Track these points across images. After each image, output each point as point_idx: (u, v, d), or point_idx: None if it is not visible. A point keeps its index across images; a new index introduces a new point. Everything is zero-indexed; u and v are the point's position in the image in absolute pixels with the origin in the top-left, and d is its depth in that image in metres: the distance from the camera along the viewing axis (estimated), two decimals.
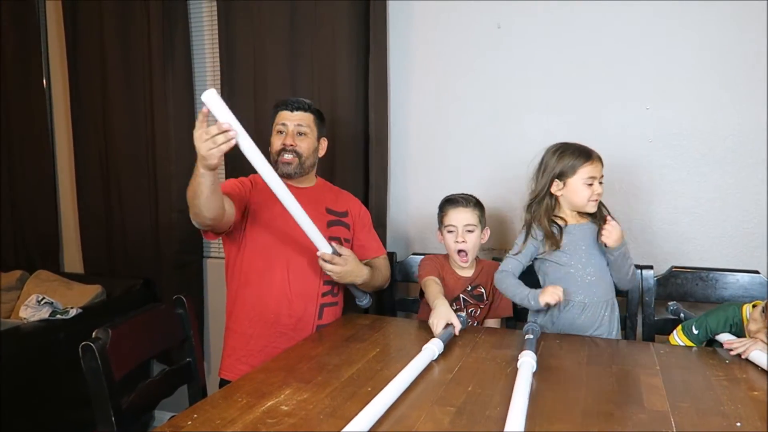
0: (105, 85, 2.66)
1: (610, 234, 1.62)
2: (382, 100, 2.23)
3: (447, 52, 2.22)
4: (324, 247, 1.70)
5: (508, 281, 1.73)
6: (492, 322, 1.93)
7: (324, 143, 1.96)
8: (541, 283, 1.75)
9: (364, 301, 1.90)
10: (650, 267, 1.95)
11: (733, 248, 1.96)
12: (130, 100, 2.62)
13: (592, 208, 1.70)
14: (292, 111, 1.86)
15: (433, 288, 1.76)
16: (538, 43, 2.10)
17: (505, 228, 2.20)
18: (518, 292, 1.70)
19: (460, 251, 1.86)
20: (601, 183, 1.69)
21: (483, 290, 1.90)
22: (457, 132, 2.22)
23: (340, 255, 1.73)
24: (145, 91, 2.57)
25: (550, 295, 1.61)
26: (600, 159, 1.70)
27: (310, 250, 1.77)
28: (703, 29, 1.93)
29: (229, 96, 2.43)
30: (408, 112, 2.29)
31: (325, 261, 1.72)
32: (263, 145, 1.85)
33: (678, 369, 1.35)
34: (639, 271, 1.93)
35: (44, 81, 2.85)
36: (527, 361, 1.29)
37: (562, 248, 1.69)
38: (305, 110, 1.87)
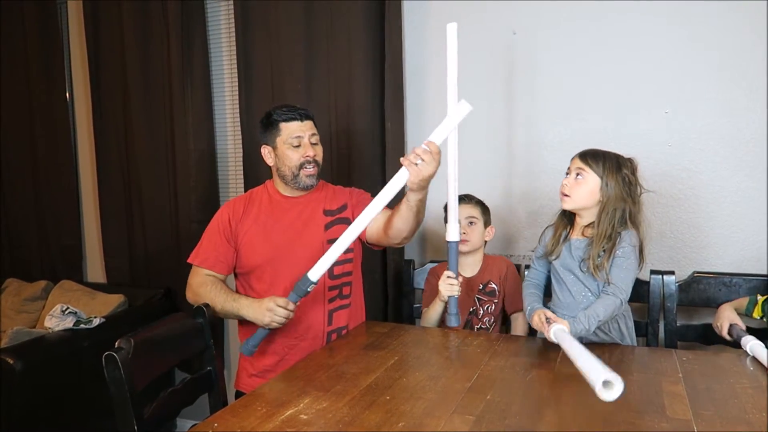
0: (126, 99, 2.71)
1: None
2: (398, 108, 2.24)
3: (463, 59, 2.21)
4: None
5: (524, 293, 1.71)
6: (520, 316, 1.91)
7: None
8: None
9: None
10: (672, 272, 1.92)
11: (756, 252, 1.93)
12: (151, 115, 2.67)
13: (562, 203, 1.64)
14: (302, 120, 1.79)
15: (429, 315, 1.88)
16: (554, 49, 2.10)
17: (522, 236, 2.19)
18: (526, 303, 1.67)
19: (461, 241, 1.87)
20: (579, 175, 1.59)
21: (494, 285, 1.94)
22: (473, 139, 2.22)
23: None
24: (164, 105, 2.62)
25: (534, 323, 1.55)
26: (583, 156, 1.61)
27: (310, 258, 1.75)
28: (722, 32, 1.90)
29: (246, 106, 2.46)
30: (424, 120, 2.29)
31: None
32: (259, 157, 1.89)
33: (701, 376, 1.33)
34: (660, 276, 1.91)
35: (67, 95, 2.92)
36: (559, 328, 1.38)
37: (561, 259, 1.64)
38: (310, 118, 1.82)
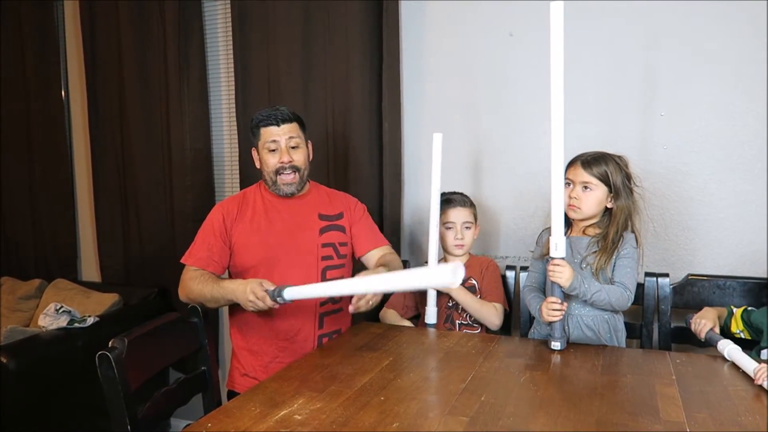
0: (122, 98, 2.70)
1: (556, 275, 1.52)
2: (395, 108, 2.24)
3: (460, 60, 2.22)
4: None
5: (526, 298, 1.76)
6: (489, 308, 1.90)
7: (311, 146, 1.88)
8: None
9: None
10: (666, 275, 1.93)
11: (751, 255, 1.94)
12: (147, 113, 2.66)
13: (569, 213, 1.66)
14: (279, 125, 1.76)
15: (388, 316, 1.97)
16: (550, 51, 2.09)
17: (519, 236, 2.19)
18: (532, 308, 1.71)
19: (457, 246, 1.96)
20: (587, 188, 1.63)
21: (474, 282, 1.95)
22: (470, 140, 2.22)
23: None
24: (161, 103, 2.61)
25: (545, 314, 1.55)
26: (586, 165, 1.64)
27: (301, 262, 1.76)
28: (718, 34, 1.91)
29: (243, 106, 2.46)
30: (421, 120, 2.30)
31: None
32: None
33: (694, 379, 1.33)
34: (654, 278, 1.92)
35: (63, 93, 2.91)
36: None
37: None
38: (290, 120, 1.78)
